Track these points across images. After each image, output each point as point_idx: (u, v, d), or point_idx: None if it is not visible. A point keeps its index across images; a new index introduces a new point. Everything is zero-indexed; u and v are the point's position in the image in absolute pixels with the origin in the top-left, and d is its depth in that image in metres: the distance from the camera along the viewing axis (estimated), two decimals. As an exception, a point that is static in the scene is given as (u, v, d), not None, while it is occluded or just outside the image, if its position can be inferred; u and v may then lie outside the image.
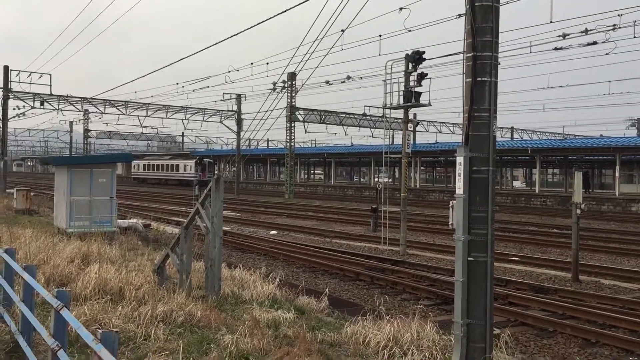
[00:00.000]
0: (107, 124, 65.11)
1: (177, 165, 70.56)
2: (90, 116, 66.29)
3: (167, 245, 10.06)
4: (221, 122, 56.44)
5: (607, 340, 8.17)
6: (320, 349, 5.95)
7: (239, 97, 53.03)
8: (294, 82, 45.93)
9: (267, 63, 46.60)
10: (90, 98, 49.78)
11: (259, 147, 77.03)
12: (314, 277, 13.36)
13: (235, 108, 53.96)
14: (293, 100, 47.60)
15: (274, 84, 37.73)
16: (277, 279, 9.59)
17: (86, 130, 72.55)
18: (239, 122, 53.79)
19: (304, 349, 5.58)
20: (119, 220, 17.57)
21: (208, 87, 74.33)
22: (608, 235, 21.73)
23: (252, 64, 37.94)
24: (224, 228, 15.34)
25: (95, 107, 51.53)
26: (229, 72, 40.03)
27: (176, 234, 9.74)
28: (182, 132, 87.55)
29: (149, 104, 52.92)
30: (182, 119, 56.48)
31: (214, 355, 5.86)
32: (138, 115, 54.09)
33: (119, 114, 52.54)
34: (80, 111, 57.02)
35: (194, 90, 70.30)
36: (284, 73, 13.62)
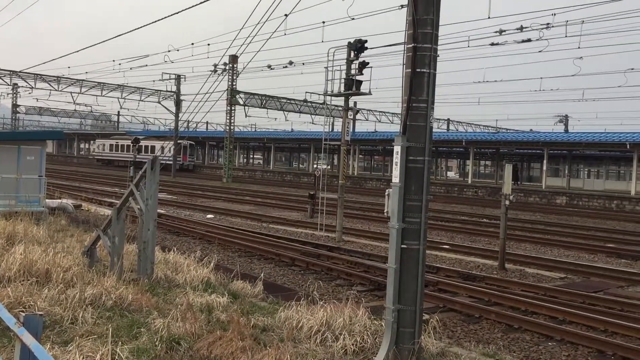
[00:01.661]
0: (37, 99, 62.26)
1: (153, 147, 63.08)
2: (19, 90, 63.13)
3: (98, 227, 9.77)
4: (159, 102, 55.20)
5: (529, 326, 8.56)
6: (253, 334, 5.95)
7: (178, 78, 51.90)
8: (235, 65, 45.32)
9: (209, 44, 46.00)
10: (20, 71, 47.54)
11: (197, 130, 75.60)
12: (249, 261, 13.32)
13: (174, 89, 52.79)
14: (234, 83, 47.00)
15: (215, 65, 36.94)
16: (212, 263, 9.50)
17: (14, 105, 68.91)
18: (178, 103, 52.70)
19: (236, 333, 5.56)
20: (47, 200, 16.91)
21: (146, 65, 72.76)
22: (534, 226, 22.72)
23: (192, 44, 37.21)
24: (159, 211, 15.05)
25: (25, 81, 49.21)
26: (169, 51, 39.13)
27: (108, 216, 9.47)
28: (118, 111, 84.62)
29: (84, 80, 51.05)
30: (118, 98, 54.93)
31: (144, 340, 5.76)
32: (71, 92, 52.16)
33: (50, 90, 50.49)
34: (8, 85, 54.30)
35: (131, 69, 68.21)
36: (225, 55, 13.43)
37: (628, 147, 36.78)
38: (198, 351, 5.45)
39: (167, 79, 51.09)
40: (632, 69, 33.63)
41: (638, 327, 8.46)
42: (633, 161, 37.98)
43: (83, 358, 5.10)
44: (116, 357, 5.15)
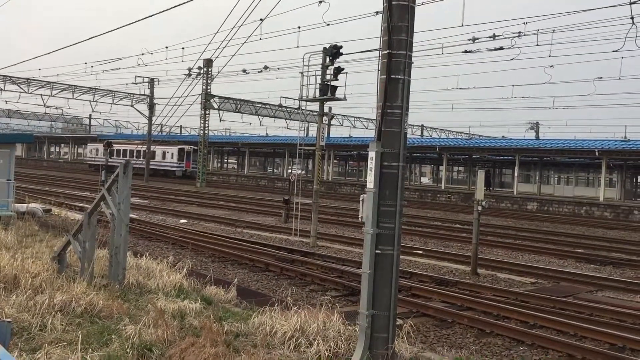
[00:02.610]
0: (6, 101, 60.80)
1: (153, 153, 58.69)
2: (-13, 92, 61.72)
3: (68, 232, 9.59)
4: (132, 105, 54.49)
5: (500, 331, 8.65)
6: (226, 340, 5.90)
7: (152, 81, 51.34)
8: (210, 69, 45.07)
9: (183, 48, 45.71)
10: (-12, 73, 46.47)
11: (171, 134, 74.68)
12: (223, 267, 13.22)
13: (148, 92, 52.23)
14: (208, 87, 46.72)
15: (189, 69, 36.77)
16: (185, 269, 9.41)
17: (-18, 107, 67.59)
18: (151, 107, 52.11)
19: (209, 339, 5.51)
20: (16, 204, 16.56)
21: (119, 68, 71.77)
22: (505, 232, 23.03)
23: (167, 47, 36.91)
24: (131, 215, 14.83)
25: (-6, 82, 48.17)
26: (142, 54, 38.65)
27: (79, 221, 9.31)
28: (90, 115, 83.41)
29: (54, 82, 50.15)
30: (90, 101, 53.99)
31: (115, 347, 5.66)
32: (42, 94, 51.15)
33: (20, 92, 49.44)
34: (-25, 86, 53.09)
35: (103, 71, 66.94)
36: (199, 59, 13.34)
37: (597, 154, 37.55)
38: (170, 358, 5.39)
39: (141, 82, 50.51)
40: (601, 77, 34.40)
41: (607, 331, 8.62)
42: (602, 168, 38.81)
43: (52, 366, 4.99)
44: (86, 365, 5.06)
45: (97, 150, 65.82)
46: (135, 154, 61.34)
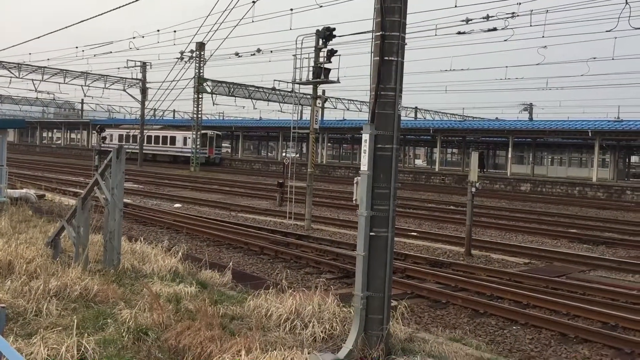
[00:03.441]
0: (-3, 86, 60.38)
1: (173, 137, 57.01)
2: (-23, 77, 61.04)
3: (62, 217, 9.57)
4: (124, 90, 54.11)
5: (494, 311, 8.73)
6: (222, 323, 5.93)
7: (143, 65, 50.94)
8: (202, 53, 44.74)
9: (175, 31, 45.20)
10: (-22, 58, 45.98)
11: (164, 118, 74.23)
12: (218, 251, 13.25)
13: (140, 76, 51.85)
14: (201, 71, 46.41)
15: (182, 53, 36.52)
16: (180, 253, 9.42)
17: (-27, 93, 66.91)
18: (144, 91, 51.79)
19: (205, 322, 5.53)
20: (9, 190, 16.48)
21: (111, 52, 71.11)
22: (499, 213, 23.13)
23: (158, 31, 36.58)
24: (125, 200, 14.81)
25: (-17, 68, 47.70)
26: (134, 38, 38.38)
27: (73, 206, 9.28)
28: (82, 99, 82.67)
29: (45, 67, 49.70)
30: (81, 85, 53.60)
31: (110, 331, 5.69)
32: (33, 79, 50.74)
33: (11, 77, 49.00)
34: (-35, 71, 52.54)
35: (95, 56, 66.33)
36: (191, 42, 13.22)
37: (590, 134, 37.64)
38: (166, 341, 5.41)
39: (133, 67, 50.12)
40: (595, 58, 34.35)
41: (599, 310, 8.71)
42: (594, 148, 38.93)
43: (48, 350, 5.01)
44: (82, 349, 5.08)
45: (112, 136, 61.41)
46: (153, 140, 58.64)
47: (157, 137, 58.17)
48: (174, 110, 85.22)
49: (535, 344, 7.55)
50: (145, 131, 60.36)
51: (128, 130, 61.85)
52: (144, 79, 51.72)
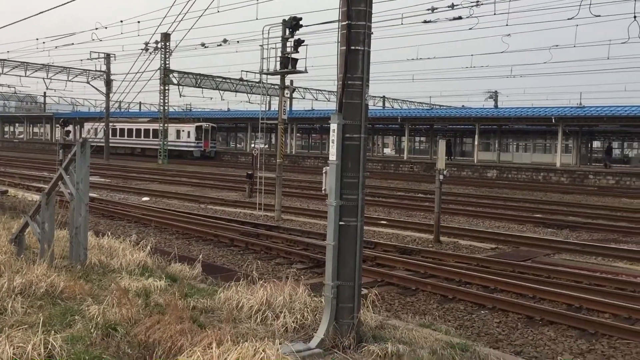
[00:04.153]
0: (-45, 80, 58.45)
1: (165, 131, 53.51)
2: None
3: (26, 213, 9.36)
4: (88, 82, 53.01)
5: (462, 296, 8.88)
6: (192, 316, 5.90)
7: (108, 57, 49.99)
8: (167, 43, 44.08)
9: (139, 22, 44.39)
10: None
11: (130, 110, 72.92)
12: (187, 243, 13.14)
13: (104, 68, 50.85)
14: (167, 62, 45.75)
15: (146, 44, 35.93)
16: (149, 247, 9.31)
17: None
18: (108, 83, 50.84)
19: (175, 316, 5.49)
20: (-31, 187, 16.03)
21: (73, 44, 69.28)
22: (467, 199, 23.48)
23: (122, 21, 35.83)
24: (91, 194, 14.55)
25: (-61, 60, 46.17)
26: (96, 29, 37.48)
27: (37, 201, 9.08)
28: (44, 92, 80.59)
29: (5, 60, 48.36)
30: (43, 78, 52.31)
31: (78, 327, 5.60)
32: (-8, 72, 49.31)
33: (-32, 70, 47.54)
34: None
35: (56, 47, 64.81)
36: (156, 33, 12.99)
37: (553, 121, 38.39)
38: (136, 336, 5.36)
39: (96, 58, 49.12)
40: (557, 45, 34.93)
41: (564, 292, 8.94)
42: (558, 135, 39.74)
43: (14, 349, 4.91)
44: (49, 347, 5.00)
45: (97, 130, 57.85)
46: (143, 134, 55.93)
47: (150, 131, 55.05)
48: (140, 103, 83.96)
49: (503, 328, 7.71)
50: (132, 124, 58.73)
51: (122, 124, 59.26)
52: (108, 71, 50.76)
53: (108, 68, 50.69)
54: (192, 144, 52.36)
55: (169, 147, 52.27)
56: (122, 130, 58.56)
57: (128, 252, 8.94)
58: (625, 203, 24.20)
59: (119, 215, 16.87)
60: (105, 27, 40.30)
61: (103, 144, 55.88)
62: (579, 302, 8.53)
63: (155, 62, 44.35)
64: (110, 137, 57.67)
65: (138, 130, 56.84)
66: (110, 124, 58.05)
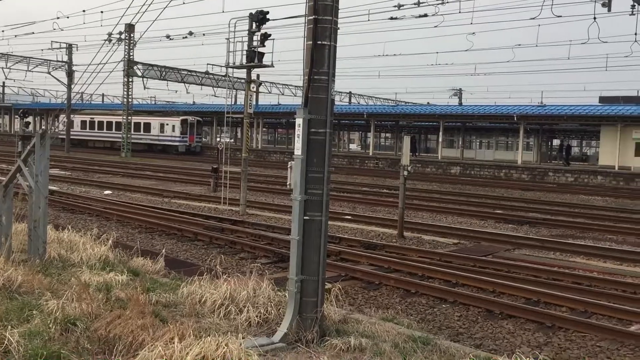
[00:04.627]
0: None
1: (148, 124, 52.12)
2: None
3: (-18, 206, 9.09)
4: (49, 73, 51.68)
5: (425, 290, 9.01)
6: (154, 310, 5.83)
7: (69, 47, 48.81)
8: (132, 35, 43.29)
9: (102, 12, 43.18)
10: None
11: (92, 102, 71.35)
12: (150, 238, 12.98)
13: (65, 58, 49.68)
14: (131, 53, 44.95)
15: (109, 34, 35.17)
16: (110, 241, 9.16)
17: None
18: (70, 74, 49.69)
19: (136, 311, 5.42)
20: None
21: (33, 33, 67.11)
22: (430, 195, 23.78)
23: (84, 11, 34.99)
24: (51, 187, 14.23)
25: None
26: (58, 18, 36.60)
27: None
28: (3, 82, 78.09)
29: (-40, 48, 46.77)
30: (2, 68, 50.80)
31: (36, 322, 5.48)
32: (-53, 61, 47.66)
33: None
34: None
35: (16, 36, 63.03)
36: (119, 23, 12.73)
37: (515, 119, 39.18)
38: (96, 331, 5.27)
39: (58, 48, 47.92)
40: (519, 45, 35.73)
41: (523, 287, 9.15)
42: (520, 132, 40.56)
43: (-32, 345, 4.78)
44: (6, 342, 4.88)
45: (72, 122, 53.75)
46: (122, 127, 51.66)
47: (136, 124, 51.72)
48: (103, 94, 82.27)
49: (464, 321, 7.86)
50: (111, 118, 55.20)
51: (93, 116, 56.74)
52: (70, 62, 49.60)
53: (70, 58, 49.54)
54: (177, 139, 50.49)
55: (152, 142, 51.81)
56: (99, 122, 56.23)
57: (89, 246, 8.79)
58: (582, 200, 24.88)
59: (79, 208, 16.53)
60: (67, 17, 39.10)
61: (81, 138, 54.77)
62: (537, 296, 8.74)
63: (119, 53, 43.43)
64: (82, 129, 56.59)
65: (118, 123, 53.41)
66: (86, 116, 56.94)
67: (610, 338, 7.12)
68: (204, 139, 75.43)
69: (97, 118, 56.56)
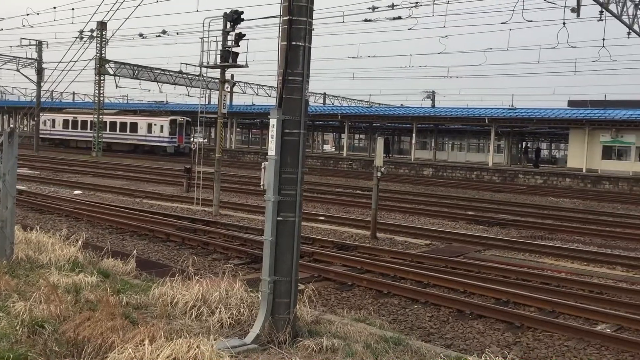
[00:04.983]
0: None
1: (135, 124, 50.32)
2: None
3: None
4: (18, 70, 50.68)
5: (397, 291, 9.07)
6: (124, 312, 5.76)
7: (39, 44, 47.97)
8: (104, 32, 42.70)
9: (73, 9, 42.69)
10: None
11: (63, 100, 70.10)
12: (121, 238, 12.81)
13: (35, 56, 48.75)
14: (103, 51, 44.33)
15: (81, 32, 34.63)
16: (80, 241, 9.02)
17: None
18: (40, 72, 48.80)
19: (106, 313, 5.35)
20: None
21: (2, 30, 65.77)
22: (403, 197, 23.95)
23: (54, 8, 34.42)
24: (20, 187, 13.96)
25: None
26: (27, 15, 35.89)
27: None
28: (-31, 79, 76.35)
29: None
30: (-32, 64, 49.65)
31: (2, 324, 5.37)
32: None
33: None
34: None
35: (-18, 32, 61.46)
36: (91, 21, 12.58)
37: (486, 121, 39.72)
38: (64, 334, 5.19)
39: (27, 45, 47.03)
40: (491, 48, 36.26)
41: (493, 287, 9.28)
42: (491, 134, 41.13)
43: None
44: (-29, 346, 4.78)
45: (53, 121, 53.50)
46: (119, 127, 51.09)
47: (114, 123, 50.99)
48: (74, 93, 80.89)
49: (435, 321, 7.94)
50: (89, 116, 52.75)
51: (75, 115, 54.67)
52: (39, 59, 48.73)
53: (40, 56, 48.67)
54: (166, 139, 48.76)
55: (139, 142, 50.20)
56: (82, 122, 53.95)
57: (58, 247, 8.64)
58: (551, 202, 25.34)
59: (48, 208, 16.24)
60: (37, 13, 38.45)
61: (63, 137, 52.76)
62: (506, 297, 8.87)
63: (91, 51, 42.85)
64: (64, 128, 54.52)
65: (122, 124, 52.52)
66: (68, 115, 55.01)
67: (577, 337, 7.26)
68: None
69: (80, 117, 54.40)
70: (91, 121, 52.52)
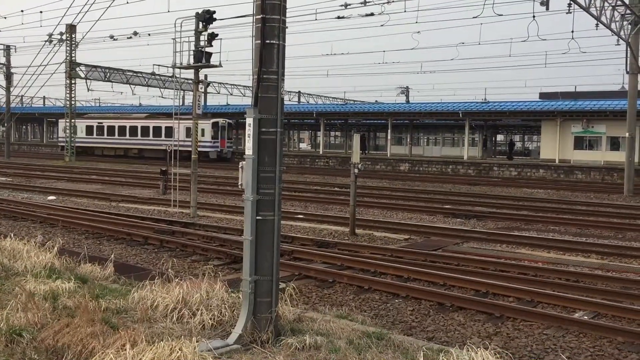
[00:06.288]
0: None
1: (169, 128, 43.79)
2: None
3: None
4: (-15, 75, 49.65)
5: (378, 286, 9.11)
6: (104, 318, 5.69)
7: (7, 49, 47.08)
8: (73, 35, 42.07)
9: (41, 12, 41.85)
10: None
11: (33, 105, 68.89)
12: (98, 243, 12.65)
13: (3, 60, 47.85)
14: (73, 54, 43.66)
15: (50, 35, 34.08)
16: (56, 248, 8.89)
17: None
18: (9, 77, 47.89)
19: (85, 319, 5.28)
20: None
21: (-33, 33, 64.35)
22: (381, 192, 24.07)
23: (22, 11, 33.82)
24: (-9, 194, 13.71)
25: None
26: (-7, 18, 35.17)
27: None
28: None
29: None
30: None
31: (-21, 335, 5.27)
32: None
33: None
34: None
35: (-53, 36, 60.02)
36: (60, 24, 12.37)
37: (460, 115, 40.08)
38: (43, 341, 5.11)
39: (-6, 49, 46.16)
40: (463, 43, 36.56)
41: (472, 279, 9.37)
42: (465, 128, 41.53)
43: None
44: (-54, 357, 4.68)
45: (81, 129, 47.86)
46: (140, 132, 46.68)
47: (157, 128, 46.24)
48: (44, 97, 79.58)
49: (416, 315, 7.99)
50: (124, 121, 49.80)
51: (101, 120, 50.66)
52: (8, 64, 47.84)
53: (8, 60, 47.79)
54: (208, 144, 43.03)
55: (180, 148, 46.13)
56: (109, 127, 49.71)
57: (33, 254, 8.50)
58: (526, 193, 25.70)
59: (22, 215, 15.96)
60: (5, 17, 37.75)
61: (87, 145, 48.64)
62: (486, 288, 8.97)
63: (61, 55, 42.17)
64: (88, 135, 49.99)
65: (133, 128, 48.13)
66: (92, 121, 51.33)
67: (556, 325, 7.38)
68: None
69: (106, 122, 50.22)
70: (119, 126, 49.30)
